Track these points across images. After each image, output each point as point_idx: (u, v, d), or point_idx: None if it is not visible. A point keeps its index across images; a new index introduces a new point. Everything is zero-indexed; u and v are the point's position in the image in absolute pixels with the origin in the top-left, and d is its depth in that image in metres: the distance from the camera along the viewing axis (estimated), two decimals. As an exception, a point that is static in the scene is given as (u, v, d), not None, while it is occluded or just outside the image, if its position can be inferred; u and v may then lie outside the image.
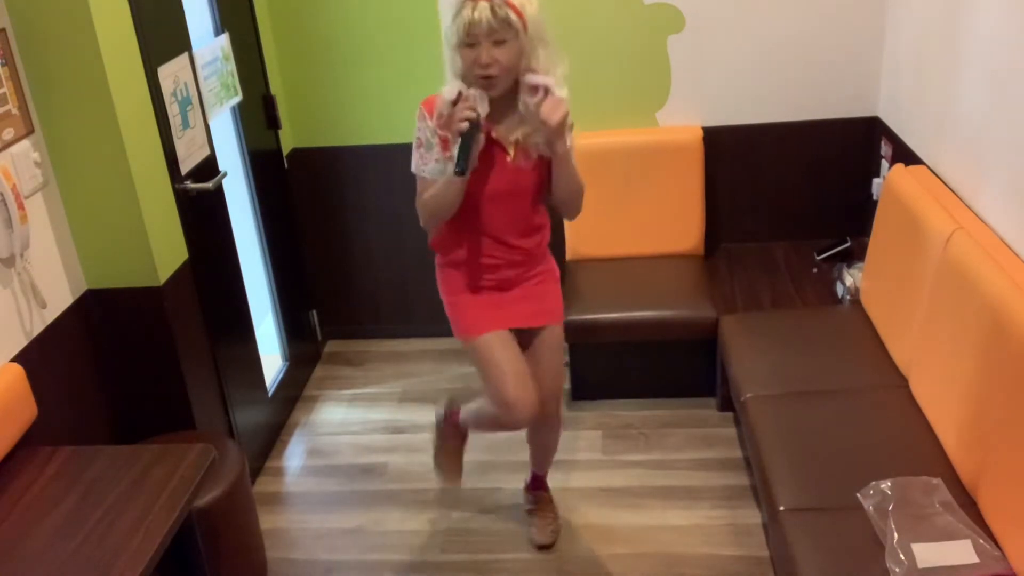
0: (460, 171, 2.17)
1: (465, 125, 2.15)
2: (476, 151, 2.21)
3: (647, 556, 2.81)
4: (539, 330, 2.54)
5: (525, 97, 2.24)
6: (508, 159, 2.32)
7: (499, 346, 2.46)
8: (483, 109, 2.19)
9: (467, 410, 2.75)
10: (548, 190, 2.42)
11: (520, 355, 2.49)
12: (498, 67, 2.17)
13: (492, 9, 2.12)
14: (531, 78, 2.22)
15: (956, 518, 2.16)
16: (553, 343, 2.58)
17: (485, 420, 2.67)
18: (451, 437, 2.87)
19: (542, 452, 2.86)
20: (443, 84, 2.29)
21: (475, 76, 2.19)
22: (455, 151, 2.17)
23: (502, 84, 2.22)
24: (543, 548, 2.84)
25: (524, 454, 2.91)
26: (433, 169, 2.31)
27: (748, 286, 3.49)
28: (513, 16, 2.13)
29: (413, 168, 2.35)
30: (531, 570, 2.81)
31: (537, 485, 2.96)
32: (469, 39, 2.15)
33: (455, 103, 2.21)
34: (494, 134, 2.29)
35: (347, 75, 3.68)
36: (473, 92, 2.20)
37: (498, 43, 2.15)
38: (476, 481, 3.15)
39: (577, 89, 3.59)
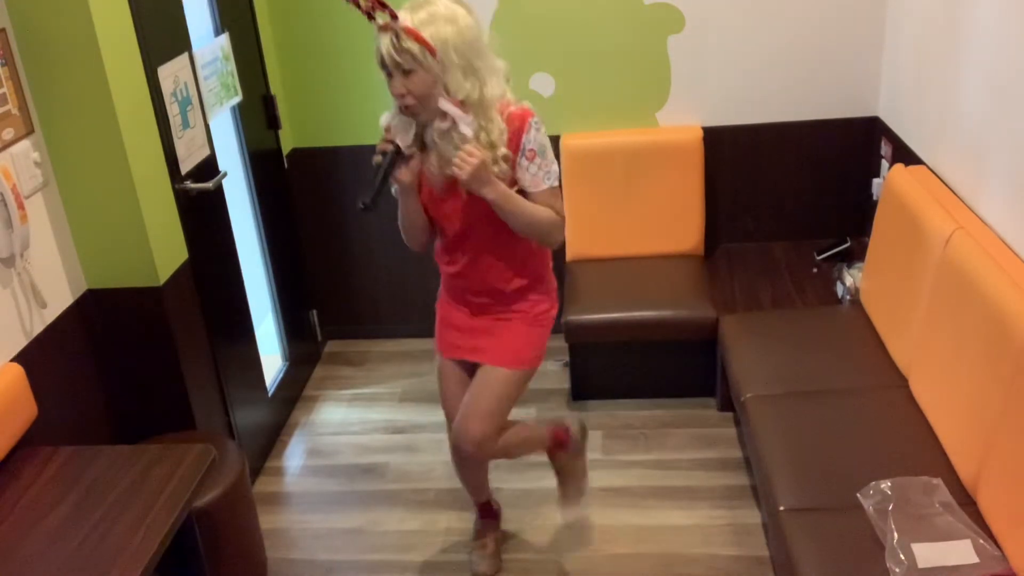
0: (364, 205, 2.08)
1: (378, 158, 2.13)
2: (406, 177, 2.19)
3: (647, 556, 2.81)
4: (482, 364, 2.46)
5: (437, 123, 2.15)
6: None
7: (445, 373, 2.55)
8: (403, 139, 2.14)
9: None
10: None
11: (460, 389, 2.50)
12: (410, 97, 2.08)
13: (392, 42, 2.03)
14: (442, 104, 2.10)
15: (956, 518, 2.16)
16: (488, 382, 2.43)
17: (453, 463, 2.72)
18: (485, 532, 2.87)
19: (474, 480, 2.80)
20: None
21: (399, 106, 2.13)
22: (370, 183, 2.11)
23: (422, 111, 2.12)
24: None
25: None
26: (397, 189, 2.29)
27: (748, 286, 3.49)
28: (415, 46, 2.02)
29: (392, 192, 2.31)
30: (531, 570, 2.81)
31: (557, 438, 2.78)
32: (384, 70, 2.09)
33: (387, 130, 2.19)
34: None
35: (347, 75, 3.68)
36: (394, 122, 2.16)
37: (407, 72, 2.05)
38: (476, 481, 3.15)
39: (577, 89, 3.65)
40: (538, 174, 2.22)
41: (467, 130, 2.12)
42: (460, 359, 2.51)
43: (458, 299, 2.47)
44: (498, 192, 2.16)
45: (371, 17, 2.05)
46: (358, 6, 2.04)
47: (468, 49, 2.08)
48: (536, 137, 2.20)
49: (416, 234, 2.37)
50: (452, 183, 2.22)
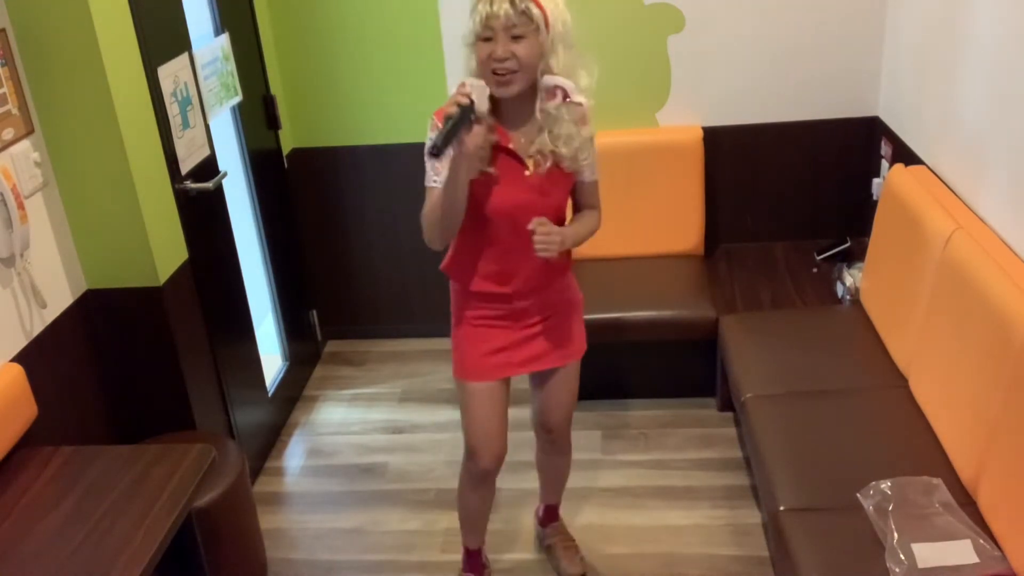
0: (434, 149, 1.96)
1: (454, 109, 1.96)
2: (474, 140, 2.01)
3: (647, 556, 2.81)
4: (556, 369, 2.44)
5: (543, 104, 2.10)
6: (527, 173, 2.14)
7: (481, 398, 2.36)
8: (481, 101, 2.00)
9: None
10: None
11: (502, 411, 2.39)
12: (515, 61, 2.01)
13: (512, 1, 1.98)
14: (549, 80, 2.08)
15: (956, 518, 2.16)
16: (570, 377, 2.49)
17: (459, 495, 2.59)
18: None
19: (553, 479, 2.76)
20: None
21: (489, 73, 2.03)
22: (442, 131, 1.96)
23: (519, 83, 2.05)
24: None
25: (525, 453, 2.90)
26: (444, 179, 2.12)
27: (748, 286, 3.49)
28: (535, 9, 1.99)
29: (426, 181, 2.15)
30: (531, 570, 2.81)
31: (552, 516, 2.85)
32: (485, 32, 2.00)
33: (463, 85, 2.05)
34: (511, 144, 2.13)
35: (347, 75, 3.68)
36: (472, 81, 2.03)
37: (516, 38, 2.00)
38: (476, 481, 3.15)
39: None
40: (593, 164, 2.25)
41: (582, 99, 2.12)
42: (506, 377, 2.39)
43: (497, 316, 2.31)
44: (570, 239, 2.20)
45: None
46: None
47: (568, 31, 2.09)
48: (592, 129, 2.21)
49: (453, 221, 2.12)
50: (518, 169, 2.15)
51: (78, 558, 1.93)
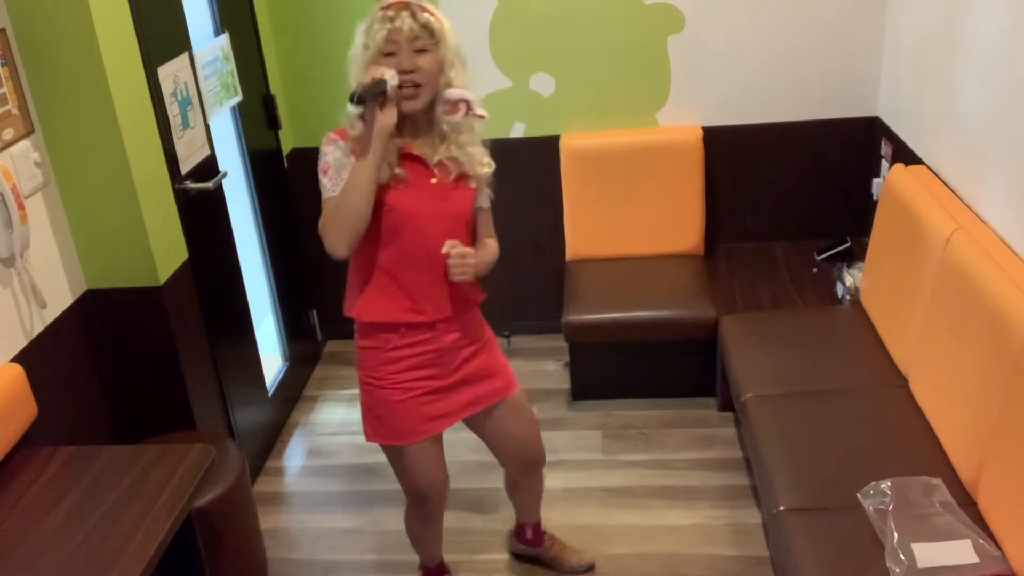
0: (355, 96, 1.96)
1: (369, 80, 1.99)
2: (384, 118, 2.01)
3: (647, 556, 2.81)
4: (495, 405, 2.35)
5: (444, 115, 2.11)
6: (433, 180, 2.13)
7: (420, 456, 2.28)
8: (392, 80, 2.00)
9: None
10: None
11: (442, 454, 2.34)
12: (421, 74, 2.03)
13: (412, 14, 2.01)
14: (452, 92, 2.09)
15: (956, 518, 2.16)
16: (518, 408, 2.39)
17: (413, 531, 2.55)
18: None
19: (533, 500, 2.69)
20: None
21: (395, 89, 2.03)
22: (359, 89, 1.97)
23: (424, 96, 2.06)
24: (591, 567, 2.77)
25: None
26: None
27: (748, 286, 3.49)
28: (435, 22, 2.04)
29: (324, 194, 2.11)
30: (531, 570, 2.81)
31: (539, 536, 2.77)
32: (389, 47, 2.02)
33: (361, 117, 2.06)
34: (415, 151, 2.12)
35: (347, 75, 3.67)
36: (384, 70, 2.01)
37: (419, 52, 2.03)
38: (475, 481, 3.15)
39: (577, 89, 3.65)
40: (488, 192, 2.27)
41: (483, 112, 2.12)
42: (445, 428, 2.31)
43: (423, 360, 2.21)
44: (481, 265, 2.20)
45: None
46: None
47: (460, 47, 2.12)
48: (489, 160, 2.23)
49: (358, 214, 2.04)
50: (450, 183, 2.15)
51: (78, 558, 1.93)
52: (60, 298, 2.54)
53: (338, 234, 2.08)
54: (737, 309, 3.33)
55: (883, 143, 3.47)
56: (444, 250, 2.09)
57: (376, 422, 2.30)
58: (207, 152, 2.97)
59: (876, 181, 3.53)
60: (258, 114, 3.53)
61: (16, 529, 2.03)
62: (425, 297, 2.18)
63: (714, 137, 3.62)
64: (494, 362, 2.35)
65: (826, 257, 3.58)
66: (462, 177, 2.17)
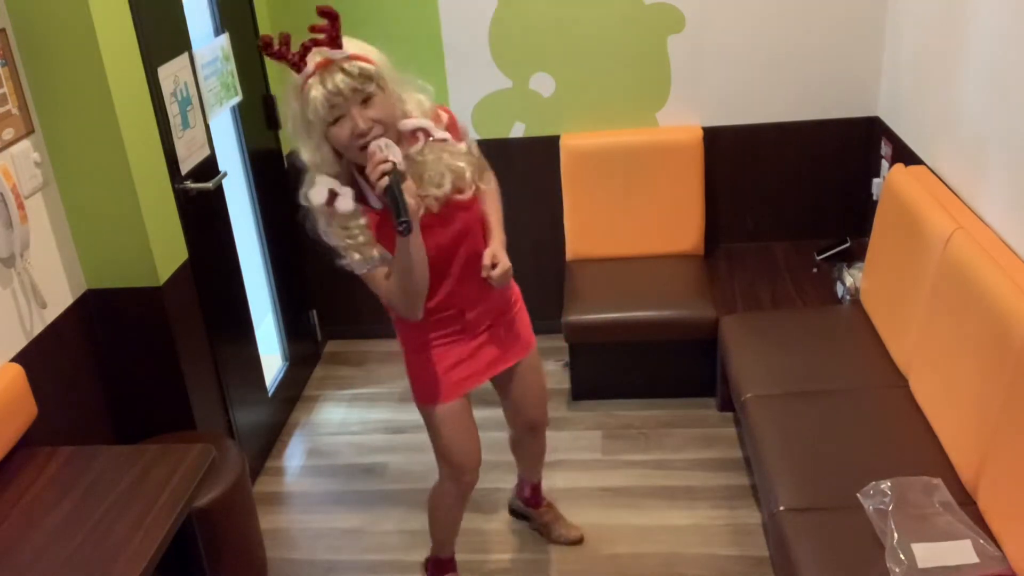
0: (405, 225, 1.85)
1: (385, 180, 1.86)
2: (412, 200, 1.90)
3: (647, 556, 2.81)
4: (518, 363, 2.45)
5: (407, 151, 2.01)
6: (434, 212, 2.09)
7: (452, 416, 2.34)
8: (396, 155, 1.90)
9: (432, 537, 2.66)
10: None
11: (474, 422, 2.41)
12: (379, 127, 1.92)
13: (342, 70, 1.87)
14: (405, 124, 2.01)
15: (956, 518, 2.16)
16: (536, 367, 2.51)
17: (440, 510, 2.57)
18: None
19: (534, 459, 2.79)
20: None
21: (357, 151, 1.92)
22: (393, 209, 1.87)
23: (393, 139, 1.96)
24: (578, 542, 2.86)
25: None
26: (383, 254, 2.07)
27: (748, 286, 3.49)
28: (367, 65, 1.89)
29: (362, 271, 2.13)
30: (531, 570, 2.81)
31: (539, 495, 2.90)
32: (333, 114, 1.90)
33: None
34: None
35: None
36: (377, 143, 1.90)
37: (365, 102, 1.90)
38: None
39: (577, 89, 3.65)
40: (476, 158, 2.24)
41: (442, 134, 2.07)
42: (472, 388, 2.38)
43: (452, 334, 2.30)
44: (502, 243, 2.26)
45: (301, 63, 1.92)
46: (284, 58, 1.94)
47: (392, 67, 2.00)
48: (469, 140, 2.19)
49: (421, 278, 2.05)
50: (444, 210, 2.10)
51: (78, 558, 1.93)
52: (60, 298, 2.54)
53: (414, 306, 2.13)
54: (737, 309, 3.33)
55: (883, 143, 3.47)
56: (484, 275, 2.18)
57: (417, 385, 2.37)
58: (207, 152, 2.97)
59: (876, 181, 3.53)
60: (258, 114, 3.53)
61: (16, 529, 2.03)
62: (466, 302, 2.27)
63: (714, 137, 3.62)
64: (515, 323, 2.42)
65: (826, 257, 3.58)
66: (456, 192, 2.11)
